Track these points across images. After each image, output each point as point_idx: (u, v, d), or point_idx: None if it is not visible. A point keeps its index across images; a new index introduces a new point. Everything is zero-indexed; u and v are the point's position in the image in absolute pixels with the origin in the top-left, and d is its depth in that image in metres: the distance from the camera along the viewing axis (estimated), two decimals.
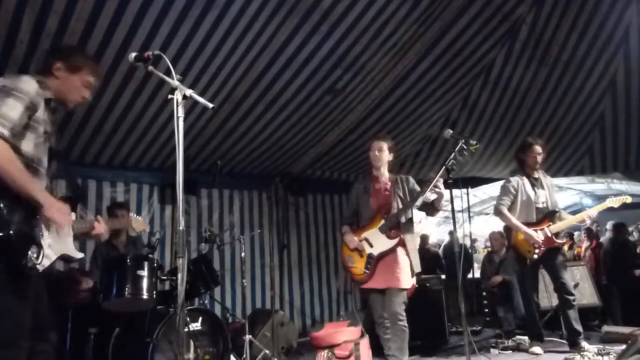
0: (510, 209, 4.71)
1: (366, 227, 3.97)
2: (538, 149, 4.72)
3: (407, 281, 3.82)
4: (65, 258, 2.39)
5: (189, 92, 2.23)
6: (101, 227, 2.61)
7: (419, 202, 3.78)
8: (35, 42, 3.76)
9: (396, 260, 3.83)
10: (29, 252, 2.13)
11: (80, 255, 2.45)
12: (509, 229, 4.80)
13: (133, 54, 2.41)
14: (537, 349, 4.60)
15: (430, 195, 3.70)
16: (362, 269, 3.88)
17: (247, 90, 4.93)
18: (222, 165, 5.39)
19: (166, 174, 5.67)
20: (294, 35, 4.47)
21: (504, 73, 5.91)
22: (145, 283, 3.71)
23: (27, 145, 2.26)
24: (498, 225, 6.57)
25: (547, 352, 4.63)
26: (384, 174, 4.09)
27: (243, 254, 5.03)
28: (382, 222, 3.89)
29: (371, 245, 3.89)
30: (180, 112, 2.21)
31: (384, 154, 4.01)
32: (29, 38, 3.73)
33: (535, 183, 4.76)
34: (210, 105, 2.28)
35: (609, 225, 7.52)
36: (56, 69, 2.41)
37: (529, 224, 4.62)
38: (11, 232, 2.08)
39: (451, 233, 7.87)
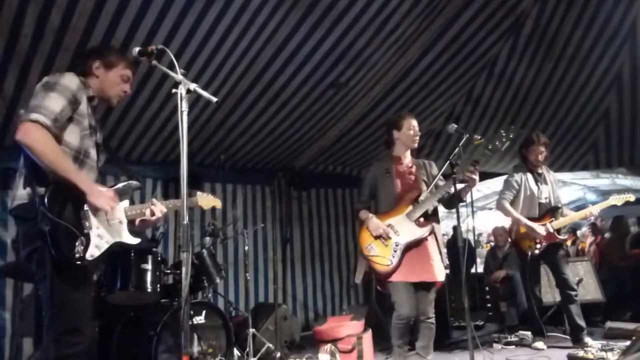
0: (512, 203, 4.71)
1: (390, 213, 3.59)
2: (541, 146, 4.70)
3: (441, 274, 3.52)
4: (119, 245, 2.40)
5: (192, 86, 2.23)
6: (158, 209, 2.56)
7: (444, 192, 3.49)
8: (38, 37, 3.77)
9: (427, 251, 3.52)
10: (76, 244, 2.17)
11: (136, 240, 2.46)
12: (512, 224, 4.81)
13: (137, 49, 2.44)
14: (540, 344, 4.62)
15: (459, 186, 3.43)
16: (388, 258, 3.47)
17: (249, 84, 4.92)
18: (225, 159, 5.41)
19: (169, 168, 5.68)
20: (297, 29, 4.46)
21: (508, 67, 5.88)
22: (149, 277, 3.75)
23: (72, 137, 2.34)
24: (502, 220, 6.58)
25: (550, 347, 4.64)
26: (408, 156, 3.77)
27: (247, 248, 5.04)
28: (410, 208, 3.55)
29: (397, 233, 3.51)
30: (184, 106, 2.21)
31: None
32: (32, 33, 3.73)
33: (538, 178, 4.75)
34: (214, 99, 2.29)
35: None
36: (95, 69, 2.51)
37: (531, 219, 4.62)
38: (56, 226, 2.12)
39: (455, 228, 7.86)
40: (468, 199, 5.10)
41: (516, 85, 6.07)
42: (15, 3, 3.51)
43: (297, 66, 4.87)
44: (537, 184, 4.72)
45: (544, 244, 4.55)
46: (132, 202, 2.59)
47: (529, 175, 4.74)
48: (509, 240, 6.95)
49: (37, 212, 2.13)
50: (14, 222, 2.32)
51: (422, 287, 3.51)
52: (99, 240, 2.29)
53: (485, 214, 11.29)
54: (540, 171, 4.80)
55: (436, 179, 3.60)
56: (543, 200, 4.70)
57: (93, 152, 2.46)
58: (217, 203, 3.10)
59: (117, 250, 3.93)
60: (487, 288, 6.69)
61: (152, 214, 2.55)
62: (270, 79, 4.92)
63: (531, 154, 4.73)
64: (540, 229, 4.54)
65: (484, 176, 7.90)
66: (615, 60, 5.80)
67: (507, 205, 4.69)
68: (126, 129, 5.04)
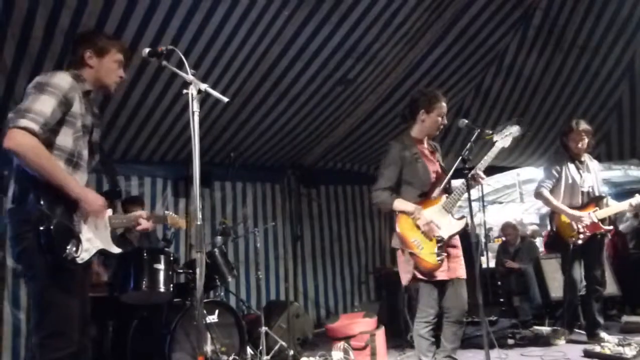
0: (553, 192, 4.56)
1: (424, 203, 3.25)
2: (581, 133, 4.53)
3: (465, 270, 3.31)
4: (103, 253, 2.39)
5: (203, 86, 2.21)
6: (147, 224, 2.61)
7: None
8: (49, 39, 3.78)
9: (458, 245, 3.32)
10: (69, 246, 2.16)
11: (117, 250, 2.44)
12: (552, 213, 4.67)
13: (147, 49, 2.41)
14: (561, 341, 4.52)
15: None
16: (434, 254, 3.14)
17: (258, 82, 4.91)
18: (235, 157, 5.41)
19: (179, 167, 5.68)
20: (305, 26, 4.43)
21: (517, 60, 5.80)
22: (162, 276, 3.76)
23: (65, 139, 2.29)
24: (511, 215, 6.53)
25: (567, 342, 4.58)
26: (425, 139, 3.49)
27: (258, 245, 5.04)
28: (444, 199, 3.26)
29: (437, 227, 3.20)
30: (195, 107, 2.20)
31: None
32: (42, 35, 3.74)
33: (580, 166, 4.60)
34: (225, 99, 2.27)
35: (629, 213, 7.42)
36: (88, 58, 2.44)
37: (573, 208, 4.46)
38: (51, 226, 2.10)
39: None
40: (478, 193, 5.07)
41: (526, 77, 5.99)
42: (25, 5, 3.52)
43: (306, 62, 4.85)
44: (579, 172, 4.55)
45: (587, 233, 4.38)
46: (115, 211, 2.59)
47: (570, 164, 4.58)
48: (519, 235, 6.96)
49: (29, 213, 2.12)
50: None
51: (458, 283, 3.25)
52: (88, 244, 2.28)
53: (495, 208, 11.24)
54: (582, 159, 4.65)
55: (449, 173, 3.36)
56: (586, 189, 4.53)
57: (85, 153, 2.42)
58: (183, 224, 3.42)
59: (129, 251, 4.01)
60: (499, 283, 6.66)
61: (136, 224, 2.59)
62: (279, 75, 4.91)
63: (571, 141, 4.58)
64: (584, 217, 4.38)
65: (494, 170, 7.86)
66: (626, 50, 5.71)
67: (547, 193, 4.53)
68: (136, 129, 5.05)
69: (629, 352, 3.85)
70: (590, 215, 4.39)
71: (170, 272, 3.83)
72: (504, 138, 3.36)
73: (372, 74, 5.34)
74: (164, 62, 2.43)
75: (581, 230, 4.38)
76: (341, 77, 5.18)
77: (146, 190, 5.63)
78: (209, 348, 3.79)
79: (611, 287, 5.76)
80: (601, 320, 4.47)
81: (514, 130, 3.36)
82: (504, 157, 7.06)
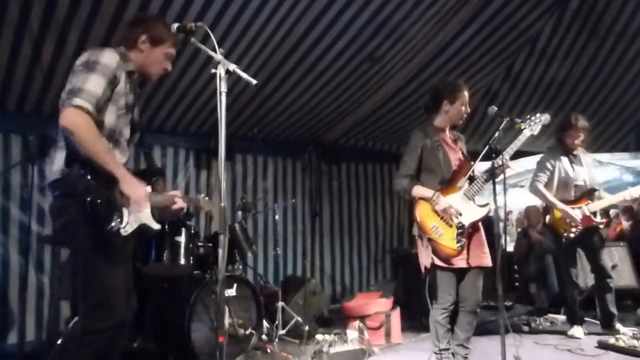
0: (546, 186, 4.58)
1: (446, 190, 3.23)
2: (580, 130, 4.52)
3: (490, 258, 3.29)
4: (143, 228, 2.39)
5: (232, 66, 2.21)
6: (182, 202, 2.59)
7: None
8: (75, 5, 3.77)
9: (481, 233, 3.29)
10: (113, 218, 2.18)
11: (157, 226, 2.43)
12: (546, 207, 4.69)
13: (175, 25, 2.41)
14: (578, 332, 4.49)
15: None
16: (454, 240, 3.14)
17: (284, 57, 4.86)
18: (257, 131, 5.41)
19: (203, 139, 5.70)
20: (334, 1, 4.34)
21: (551, 44, 5.65)
22: (182, 249, 3.80)
23: (109, 117, 2.31)
24: (534, 199, 6.43)
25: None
26: (447, 128, 3.47)
27: (277, 217, 5.06)
28: (466, 186, 3.24)
29: (458, 214, 3.19)
30: (223, 87, 2.18)
31: None
32: (69, 1, 3.74)
33: (574, 160, 4.61)
34: (254, 81, 2.25)
35: None
36: (141, 43, 2.44)
37: (566, 202, 4.49)
38: (98, 198, 2.13)
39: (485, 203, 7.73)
40: (500, 176, 5.01)
41: (558, 62, 5.85)
42: None
43: (333, 38, 4.77)
44: (572, 166, 4.57)
45: (580, 227, 4.43)
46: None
47: (563, 158, 4.60)
48: (542, 221, 6.88)
49: (74, 185, 2.14)
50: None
51: (476, 273, 3.24)
52: (131, 218, 2.30)
53: (517, 191, 11.09)
54: (575, 153, 4.65)
55: (476, 162, 3.32)
56: (579, 183, 4.56)
57: (126, 131, 2.44)
58: (213, 210, 3.24)
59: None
60: (515, 267, 6.63)
61: (172, 203, 2.56)
62: (305, 50, 4.85)
63: (568, 137, 4.57)
64: (576, 212, 4.42)
65: (518, 154, 7.72)
66: None
67: (542, 188, 4.56)
68: (161, 98, 5.05)
69: None
70: (583, 209, 4.43)
71: (191, 245, 3.88)
72: (532, 126, 3.32)
73: (401, 53, 5.25)
74: (192, 39, 2.43)
75: (574, 224, 4.41)
76: (369, 54, 5.10)
77: (169, 161, 5.66)
78: (226, 321, 3.84)
79: (629, 279, 5.70)
80: (615, 311, 4.46)
81: (544, 118, 3.33)
82: (530, 142, 6.93)
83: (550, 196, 4.53)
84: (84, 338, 2.18)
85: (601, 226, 4.57)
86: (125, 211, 2.26)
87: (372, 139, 7.12)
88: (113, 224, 2.17)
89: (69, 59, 4.10)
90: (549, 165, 4.59)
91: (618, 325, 4.42)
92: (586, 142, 4.72)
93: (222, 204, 2.18)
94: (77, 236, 2.20)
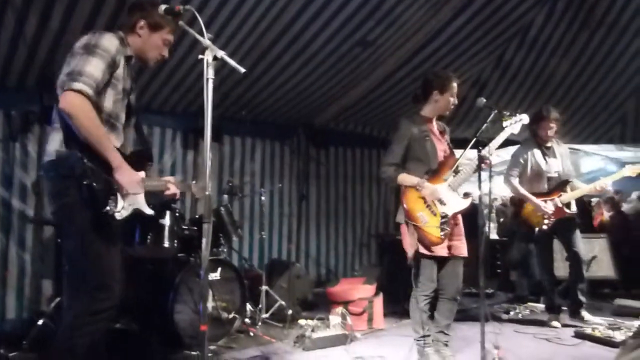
0: (520, 178, 4.64)
1: (432, 180, 3.31)
2: (551, 121, 4.56)
3: (466, 248, 3.40)
4: (137, 213, 2.40)
5: (220, 53, 2.17)
6: (175, 189, 2.60)
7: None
8: None
9: (460, 223, 3.41)
10: (109, 201, 2.20)
11: (150, 211, 2.44)
12: (520, 200, 4.71)
13: (163, 6, 2.37)
14: (555, 323, 4.57)
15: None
16: (438, 228, 3.21)
17: (274, 39, 4.79)
18: (246, 113, 5.36)
19: (190, 119, 5.63)
20: None
21: (542, 34, 5.63)
22: (167, 232, 3.78)
23: (107, 101, 2.32)
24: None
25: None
26: (434, 119, 3.53)
27: (263, 199, 5.04)
28: (451, 177, 3.32)
29: (443, 203, 3.28)
30: (210, 74, 2.14)
31: None
32: None
33: (547, 152, 4.65)
34: (242, 69, 2.22)
35: (634, 195, 7.38)
36: (139, 28, 2.44)
37: (539, 194, 4.55)
38: (94, 182, 2.14)
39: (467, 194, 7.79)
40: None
41: (549, 53, 5.83)
42: None
43: (325, 21, 4.71)
44: (544, 158, 4.61)
45: (552, 219, 4.47)
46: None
47: (536, 150, 4.63)
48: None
49: (72, 167, 2.15)
50: (44, 176, 2.31)
51: (456, 262, 3.35)
52: (125, 203, 2.30)
53: (502, 179, 11.18)
54: (549, 145, 4.68)
55: (462, 155, 3.39)
56: (552, 175, 4.60)
57: (122, 116, 2.46)
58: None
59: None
60: (497, 255, 6.71)
61: (166, 189, 2.57)
62: (296, 33, 4.78)
63: (541, 129, 4.61)
64: (546, 205, 4.46)
65: (505, 143, 7.76)
66: None
67: (515, 182, 4.63)
68: (148, 78, 4.97)
69: (619, 335, 3.93)
70: (555, 201, 4.48)
71: (175, 228, 3.86)
72: (513, 125, 3.50)
73: (393, 37, 5.20)
74: (181, 22, 2.42)
75: (545, 216, 4.47)
76: (360, 38, 5.05)
77: (155, 141, 5.58)
78: (210, 304, 3.85)
79: (608, 270, 5.80)
80: (583, 299, 4.55)
81: (523, 117, 3.53)
82: (519, 132, 6.96)
83: (523, 190, 4.58)
84: (84, 321, 2.19)
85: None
86: (119, 195, 2.27)
87: (362, 123, 7.09)
88: (108, 207, 2.20)
89: (53, 32, 4.02)
90: (520, 159, 4.64)
91: (584, 313, 4.52)
92: (559, 132, 4.75)
93: (207, 192, 2.16)
94: (74, 219, 2.22)
